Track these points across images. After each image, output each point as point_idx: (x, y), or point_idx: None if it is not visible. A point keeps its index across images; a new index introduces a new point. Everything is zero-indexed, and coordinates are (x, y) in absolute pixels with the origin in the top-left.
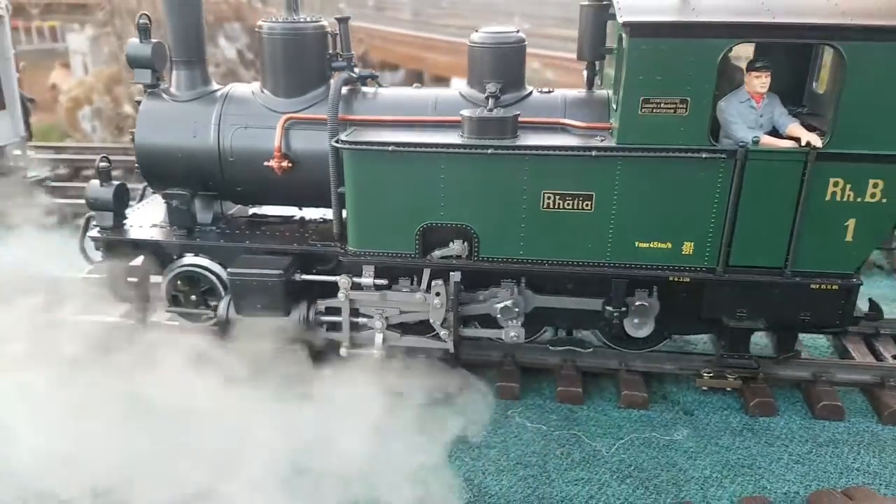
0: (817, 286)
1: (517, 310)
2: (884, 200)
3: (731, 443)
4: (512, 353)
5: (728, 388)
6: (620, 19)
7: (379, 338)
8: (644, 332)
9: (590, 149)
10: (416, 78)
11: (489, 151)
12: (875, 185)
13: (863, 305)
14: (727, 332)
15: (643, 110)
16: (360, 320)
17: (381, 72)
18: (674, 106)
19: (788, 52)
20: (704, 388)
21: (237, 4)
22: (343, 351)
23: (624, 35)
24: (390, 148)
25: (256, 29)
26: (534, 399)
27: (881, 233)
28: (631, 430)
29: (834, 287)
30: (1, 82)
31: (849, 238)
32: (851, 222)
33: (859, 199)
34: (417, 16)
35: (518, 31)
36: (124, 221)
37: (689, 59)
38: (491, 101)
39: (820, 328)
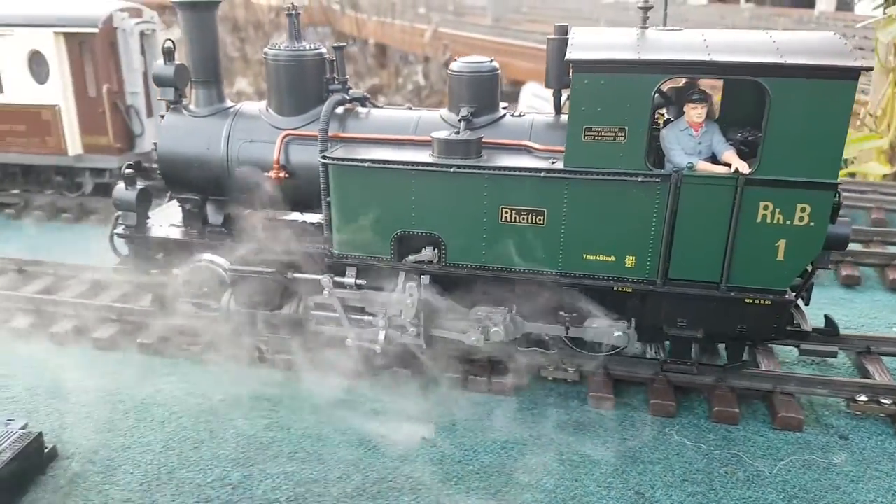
0: (751, 300)
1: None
2: (811, 224)
3: (891, 469)
4: (663, 372)
5: (881, 414)
6: (568, 56)
7: (382, 335)
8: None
9: (539, 170)
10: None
11: (452, 170)
12: (803, 210)
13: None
14: (671, 341)
15: (586, 137)
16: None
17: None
18: (613, 134)
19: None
20: (858, 412)
21: (326, 8)
22: (348, 342)
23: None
24: (367, 164)
25: (263, 55)
26: (687, 418)
27: (810, 254)
28: (789, 451)
29: (766, 302)
30: (150, 91)
31: (780, 257)
32: (782, 243)
33: (788, 222)
34: (498, 21)
35: (492, 61)
36: (147, 221)
37: (625, 92)
38: (463, 124)
39: (756, 340)
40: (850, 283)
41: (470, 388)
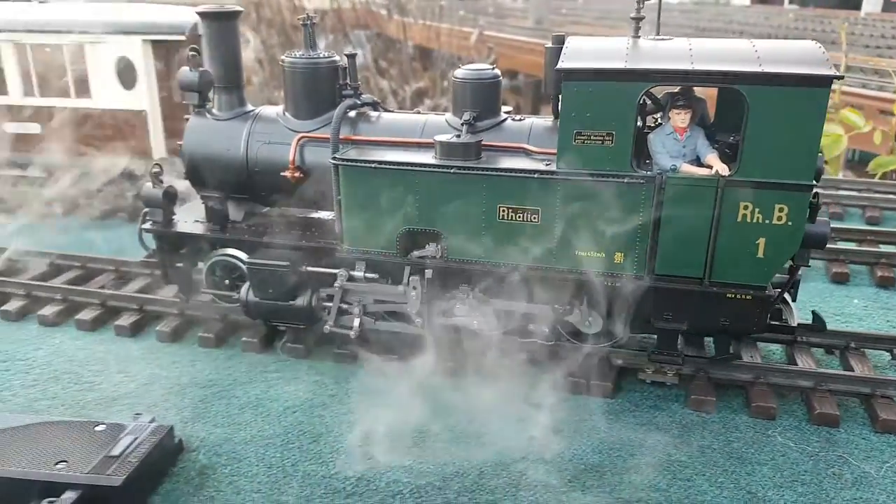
0: (733, 295)
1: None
2: (789, 223)
3: None
4: (764, 375)
5: None
6: (559, 65)
7: (356, 322)
8: (594, 329)
9: (533, 171)
10: (536, 85)
11: (452, 171)
12: (781, 210)
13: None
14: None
15: (576, 141)
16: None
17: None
18: (601, 138)
19: None
20: None
21: (364, 11)
22: (326, 328)
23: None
24: (374, 165)
25: (280, 62)
26: (788, 420)
27: (788, 251)
28: (893, 454)
29: (748, 297)
30: None
31: (760, 255)
32: (762, 241)
33: (767, 221)
34: (539, 24)
35: (494, 68)
36: (173, 217)
37: (612, 99)
38: (465, 128)
39: (739, 333)
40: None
41: (568, 388)
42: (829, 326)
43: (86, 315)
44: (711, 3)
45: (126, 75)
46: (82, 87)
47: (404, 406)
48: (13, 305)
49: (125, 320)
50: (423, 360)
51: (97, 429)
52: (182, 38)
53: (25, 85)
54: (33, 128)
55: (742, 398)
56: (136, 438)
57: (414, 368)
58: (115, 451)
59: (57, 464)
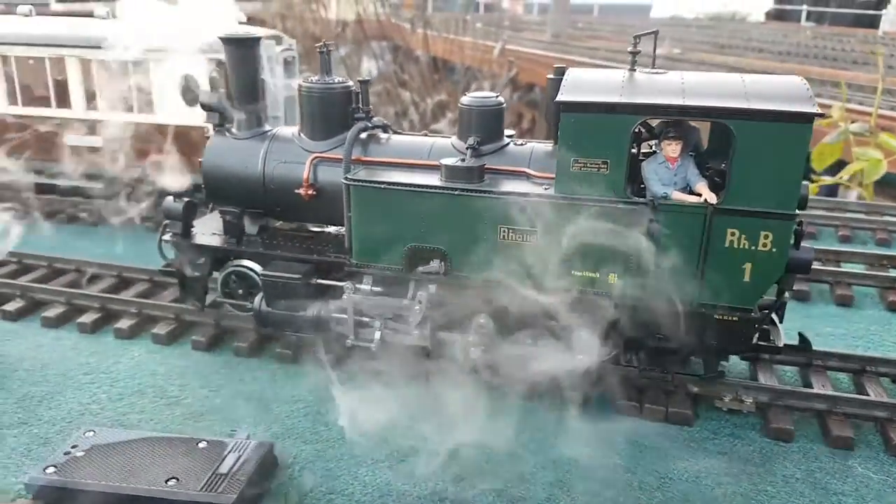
0: (720, 317)
1: None
2: (774, 250)
3: None
4: (839, 404)
5: None
6: (558, 97)
7: (377, 334)
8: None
9: (533, 195)
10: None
11: (457, 193)
12: (766, 237)
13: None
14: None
15: (573, 167)
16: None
17: (517, 92)
18: (597, 165)
19: None
20: None
21: (387, 23)
22: (348, 342)
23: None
24: (382, 186)
25: (297, 87)
26: (866, 450)
27: (773, 276)
28: None
29: (734, 318)
30: (288, 115)
31: (746, 279)
32: (748, 266)
33: (753, 248)
34: (557, 37)
35: (498, 97)
36: (192, 229)
37: (607, 130)
38: (470, 152)
39: (726, 353)
40: None
41: (646, 415)
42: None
43: (161, 329)
44: (727, 18)
45: (190, 93)
46: (146, 103)
47: (491, 430)
48: (88, 318)
49: (201, 334)
50: (497, 381)
51: (200, 445)
52: None
53: (88, 99)
54: (95, 141)
55: (817, 426)
56: (240, 456)
57: (490, 390)
58: (223, 469)
59: (167, 481)
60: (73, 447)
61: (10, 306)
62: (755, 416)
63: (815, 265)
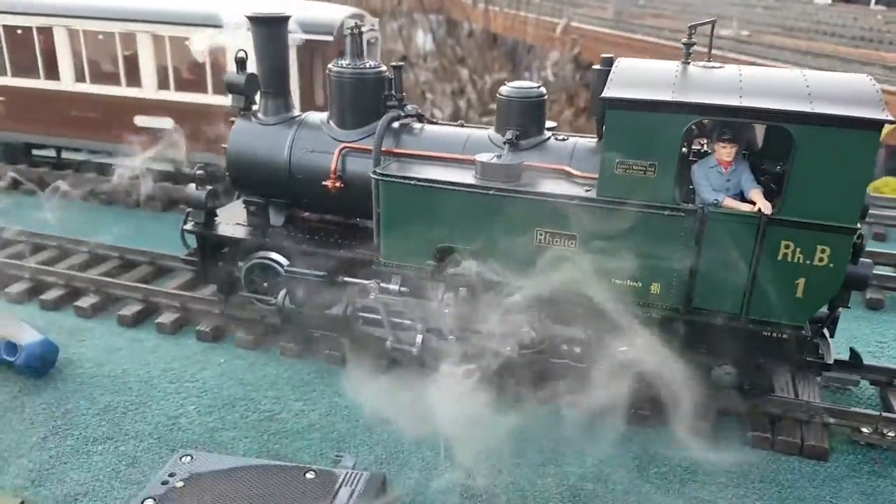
0: (769, 334)
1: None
2: (830, 265)
3: None
4: None
5: None
6: (604, 93)
7: (419, 338)
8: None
9: (573, 198)
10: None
11: (491, 192)
12: (823, 251)
13: None
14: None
15: (618, 170)
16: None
17: (579, 71)
18: (644, 168)
19: None
20: None
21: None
22: (388, 344)
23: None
24: (413, 182)
25: (327, 72)
26: None
27: (828, 293)
28: None
29: (784, 336)
30: None
31: (799, 294)
32: (801, 281)
33: (808, 262)
34: (620, 15)
35: (540, 87)
36: (215, 219)
37: (657, 130)
38: (507, 147)
39: (773, 369)
40: None
41: (778, 448)
42: None
43: (248, 334)
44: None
45: None
46: (220, 84)
47: (610, 461)
48: (167, 318)
49: (290, 340)
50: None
51: (308, 476)
52: (329, 38)
53: (160, 78)
54: (165, 123)
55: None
56: (353, 490)
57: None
58: None
59: None
60: (171, 475)
61: (85, 302)
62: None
63: (887, 272)
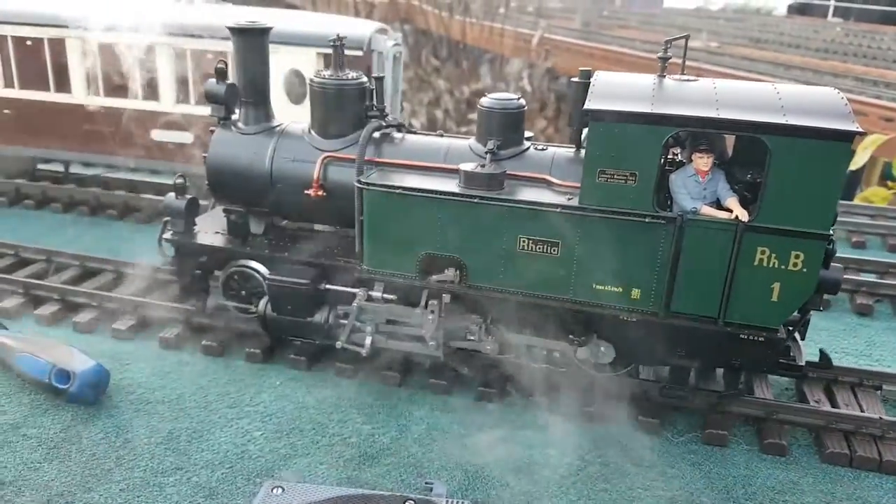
0: (745, 336)
1: None
2: (804, 270)
3: None
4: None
5: None
6: (587, 105)
7: (368, 339)
8: (606, 359)
9: (556, 206)
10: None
11: (475, 201)
12: (797, 256)
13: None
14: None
15: (600, 179)
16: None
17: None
18: (624, 177)
19: None
20: None
21: (407, 6)
22: (338, 344)
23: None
24: (397, 191)
25: (309, 82)
26: None
27: (802, 296)
28: None
29: (760, 338)
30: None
31: (774, 298)
32: (777, 285)
33: (783, 267)
34: (587, 26)
35: (520, 98)
36: (194, 227)
37: (637, 141)
38: (489, 156)
39: (748, 371)
40: None
41: (856, 464)
42: None
43: (299, 354)
44: (752, 11)
45: (295, 89)
46: None
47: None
48: (214, 339)
49: (345, 361)
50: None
51: None
52: (359, 53)
53: (179, 92)
54: (185, 137)
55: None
56: None
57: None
58: None
59: None
60: None
61: (122, 324)
62: None
63: (874, 278)
